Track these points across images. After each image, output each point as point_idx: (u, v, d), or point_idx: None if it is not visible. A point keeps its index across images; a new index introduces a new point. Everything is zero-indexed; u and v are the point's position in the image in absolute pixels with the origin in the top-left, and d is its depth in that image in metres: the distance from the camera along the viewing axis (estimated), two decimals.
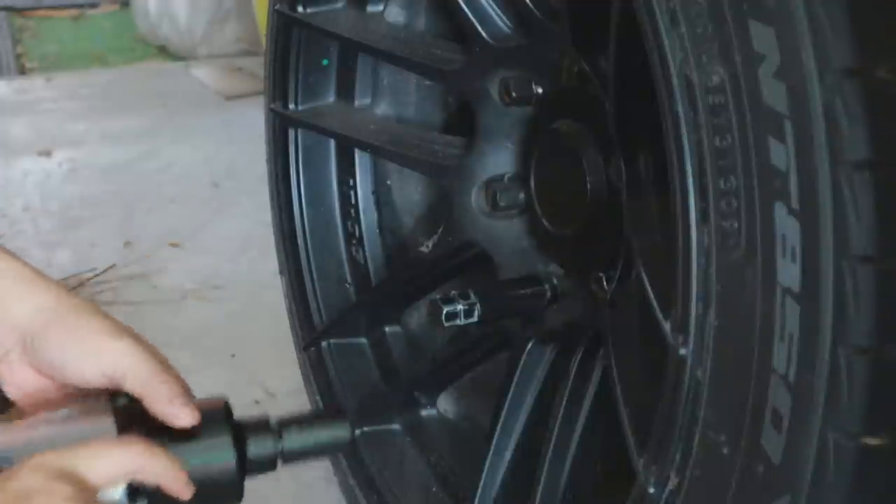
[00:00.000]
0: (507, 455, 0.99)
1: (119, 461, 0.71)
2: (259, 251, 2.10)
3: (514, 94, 0.95)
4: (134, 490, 0.71)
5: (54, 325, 0.77)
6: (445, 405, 1.17)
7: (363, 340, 1.19)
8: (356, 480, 1.13)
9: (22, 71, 4.09)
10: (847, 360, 0.56)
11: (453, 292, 0.93)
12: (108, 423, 0.73)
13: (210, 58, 3.96)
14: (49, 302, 0.79)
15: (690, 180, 0.62)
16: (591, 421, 0.91)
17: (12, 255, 0.80)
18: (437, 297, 0.93)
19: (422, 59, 1.05)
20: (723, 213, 0.61)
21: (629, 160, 0.81)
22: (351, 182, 1.20)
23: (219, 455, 0.75)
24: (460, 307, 0.88)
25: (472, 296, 0.91)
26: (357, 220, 1.21)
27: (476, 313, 0.89)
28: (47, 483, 0.67)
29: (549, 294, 0.95)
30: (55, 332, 0.77)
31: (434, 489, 1.09)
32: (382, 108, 1.19)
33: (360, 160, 1.20)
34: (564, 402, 0.92)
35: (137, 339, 0.77)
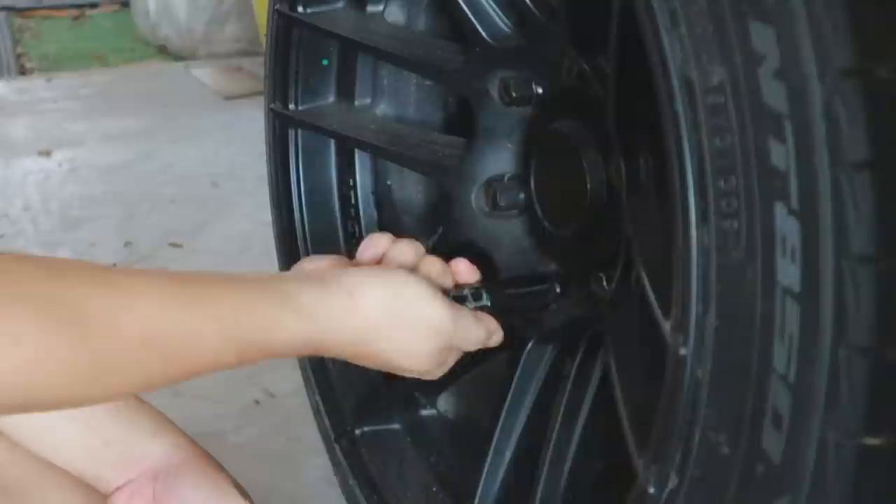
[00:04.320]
0: (507, 455, 0.99)
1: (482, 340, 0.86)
2: (259, 251, 2.10)
3: (514, 94, 0.95)
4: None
5: (189, 465, 0.84)
6: (445, 405, 1.17)
7: None
8: (356, 480, 1.13)
9: (22, 71, 4.08)
10: (847, 360, 0.56)
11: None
12: None
13: (210, 58, 3.95)
14: (181, 442, 0.86)
15: (690, 180, 0.62)
16: (591, 421, 0.91)
17: (139, 397, 0.86)
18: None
19: (422, 59, 1.05)
20: (723, 213, 0.61)
21: (629, 160, 0.81)
22: (351, 182, 1.20)
23: None
24: (466, 291, 0.88)
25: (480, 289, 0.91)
26: (357, 220, 1.21)
27: (484, 297, 0.88)
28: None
29: (556, 290, 0.95)
30: (190, 470, 0.84)
31: (434, 489, 1.09)
32: (382, 108, 1.19)
33: (360, 160, 1.20)
34: (564, 402, 0.92)
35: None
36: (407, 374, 0.85)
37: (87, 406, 0.73)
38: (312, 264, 0.84)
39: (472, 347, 0.86)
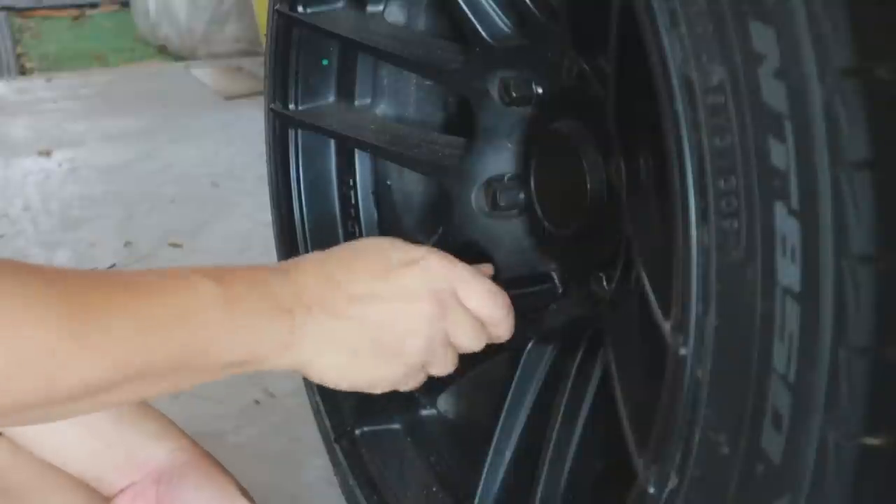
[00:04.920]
0: (507, 455, 0.99)
1: (490, 308, 0.81)
2: (259, 251, 2.10)
3: (514, 94, 0.95)
4: None
5: (192, 467, 0.84)
6: (445, 405, 1.17)
7: None
8: (356, 480, 1.13)
9: (22, 71, 4.08)
10: (847, 360, 0.56)
11: None
12: None
13: (210, 58, 3.95)
14: (185, 444, 0.85)
15: (690, 180, 0.62)
16: (591, 421, 0.91)
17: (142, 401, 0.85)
18: None
19: (422, 59, 1.05)
20: (723, 213, 0.61)
21: (629, 160, 0.81)
22: (351, 182, 1.20)
23: None
24: None
25: None
26: (357, 220, 1.21)
27: None
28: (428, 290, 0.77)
29: (556, 290, 0.95)
30: (193, 472, 0.84)
31: (434, 489, 1.09)
32: (382, 108, 1.19)
33: (360, 160, 1.20)
34: (564, 402, 0.92)
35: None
36: (397, 372, 0.79)
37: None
38: None
39: (480, 306, 0.80)
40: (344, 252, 0.79)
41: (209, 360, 0.68)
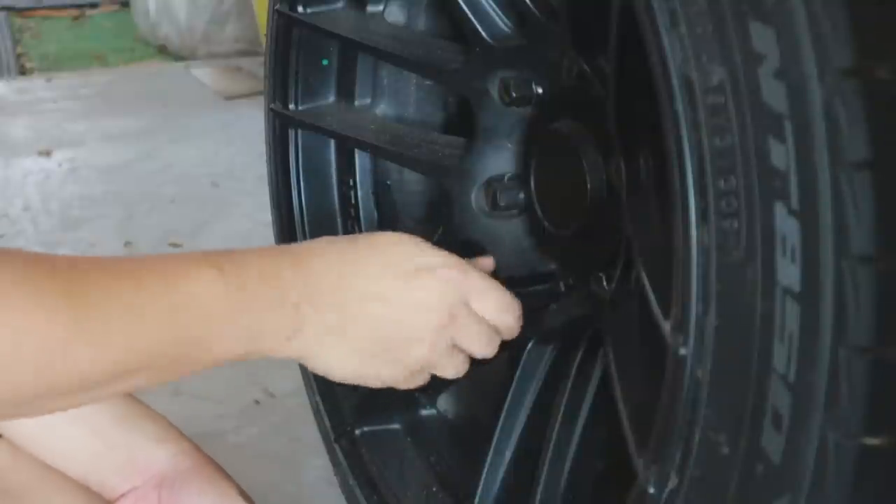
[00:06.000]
0: (507, 455, 0.99)
1: (503, 318, 0.81)
2: None
3: (514, 94, 0.95)
4: None
5: (194, 472, 0.84)
6: (445, 405, 1.17)
7: None
8: (356, 480, 1.13)
9: (22, 71, 4.08)
10: (847, 360, 0.56)
11: None
12: None
13: (210, 58, 3.95)
14: (186, 448, 0.85)
15: (690, 180, 0.62)
16: (591, 421, 0.91)
17: (144, 404, 0.86)
18: None
19: (422, 59, 1.05)
20: (723, 213, 0.61)
21: (629, 160, 0.81)
22: (351, 182, 1.20)
23: None
24: None
25: None
26: (357, 219, 1.21)
27: None
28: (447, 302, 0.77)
29: (556, 290, 0.95)
30: (195, 477, 0.83)
31: (434, 489, 1.09)
32: (382, 108, 1.19)
33: (360, 160, 1.20)
34: (564, 402, 0.92)
35: None
36: (397, 374, 0.79)
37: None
38: None
39: (493, 317, 0.81)
40: (361, 244, 0.78)
41: (211, 351, 0.68)
